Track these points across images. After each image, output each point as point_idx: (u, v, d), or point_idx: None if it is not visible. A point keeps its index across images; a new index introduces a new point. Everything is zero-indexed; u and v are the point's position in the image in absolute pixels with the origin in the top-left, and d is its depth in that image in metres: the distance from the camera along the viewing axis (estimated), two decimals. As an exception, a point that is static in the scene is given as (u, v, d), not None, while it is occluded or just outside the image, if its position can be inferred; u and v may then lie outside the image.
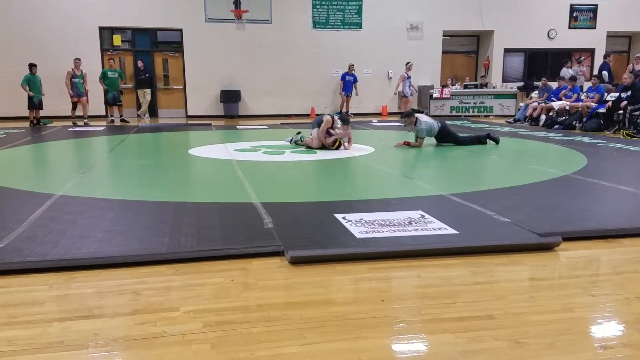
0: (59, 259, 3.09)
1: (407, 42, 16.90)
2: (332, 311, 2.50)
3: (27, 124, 13.17)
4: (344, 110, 15.68)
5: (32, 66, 12.95)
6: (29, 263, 3.03)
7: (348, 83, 15.72)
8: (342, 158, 7.47)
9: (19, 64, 14.25)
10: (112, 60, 13.97)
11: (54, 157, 8.22)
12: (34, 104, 12.97)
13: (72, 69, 13.14)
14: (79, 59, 13.40)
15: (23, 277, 2.90)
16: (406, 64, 15.76)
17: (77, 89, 13.23)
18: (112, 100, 13.68)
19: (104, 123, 13.65)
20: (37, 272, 2.95)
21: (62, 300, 2.64)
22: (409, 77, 15.69)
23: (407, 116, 8.66)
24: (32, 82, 12.89)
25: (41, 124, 13.10)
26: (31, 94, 12.86)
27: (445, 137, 8.66)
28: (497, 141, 8.78)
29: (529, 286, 2.89)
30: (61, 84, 14.74)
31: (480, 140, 8.81)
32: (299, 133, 8.68)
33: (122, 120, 13.66)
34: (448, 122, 9.51)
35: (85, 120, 13.40)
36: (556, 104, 12.53)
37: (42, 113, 13.59)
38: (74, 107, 13.45)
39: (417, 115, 8.68)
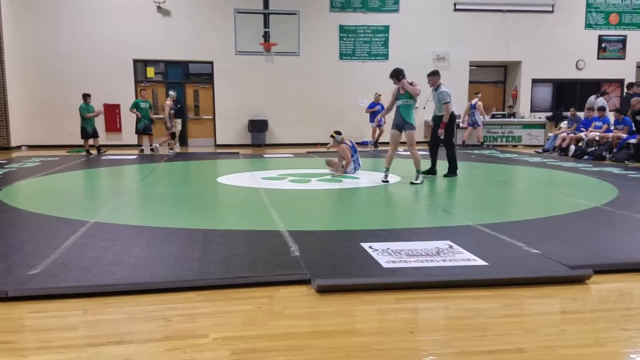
0: (92, 284, 3.17)
1: (434, 72, 16.97)
2: (358, 341, 2.50)
3: (62, 152, 13.55)
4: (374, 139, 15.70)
5: (86, 96, 13.34)
6: (64, 288, 3.11)
7: (375, 114, 15.79)
8: (368, 187, 7.49)
9: (56, 94, 14.84)
10: (144, 91, 14.36)
11: (88, 185, 8.45)
12: (88, 133, 13.30)
13: (169, 100, 13.54)
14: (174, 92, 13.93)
15: (58, 302, 2.98)
16: (475, 94, 15.75)
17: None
18: (143, 130, 14.00)
19: (136, 152, 13.97)
20: (71, 297, 3.03)
21: (95, 325, 2.70)
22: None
23: (432, 74, 8.53)
24: (87, 111, 13.28)
25: (101, 152, 13.44)
26: (94, 114, 13.33)
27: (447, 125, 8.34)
28: (451, 173, 8.46)
29: (560, 319, 2.84)
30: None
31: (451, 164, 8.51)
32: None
33: (151, 150, 13.97)
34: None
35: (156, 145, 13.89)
36: (588, 134, 12.35)
37: (74, 141, 14.01)
38: (173, 137, 13.84)
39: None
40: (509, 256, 3.84)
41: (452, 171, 8.49)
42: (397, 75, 7.62)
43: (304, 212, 5.96)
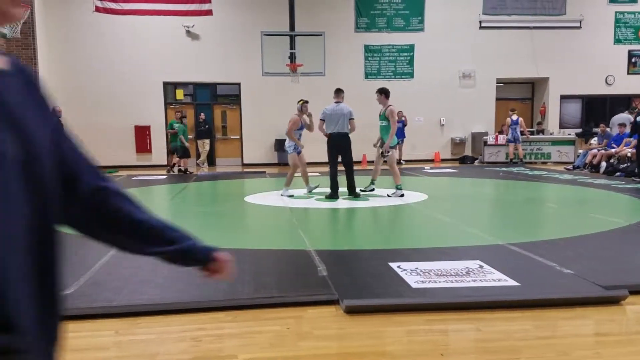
0: (123, 304, 3.22)
1: (460, 89, 16.93)
2: (389, 363, 2.47)
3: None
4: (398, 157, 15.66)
5: (183, 118, 14.05)
6: (96, 309, 3.17)
7: (398, 130, 15.75)
8: (395, 205, 7.45)
9: (88, 116, 15.28)
10: (178, 113, 14.53)
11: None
12: (186, 152, 13.91)
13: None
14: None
15: (90, 322, 3.03)
16: (512, 110, 15.60)
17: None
18: (175, 150, 14.19)
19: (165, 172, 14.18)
20: (103, 317, 3.08)
21: (126, 345, 2.73)
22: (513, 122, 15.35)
23: (337, 91, 8.35)
24: (184, 132, 13.89)
25: (188, 171, 13.93)
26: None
27: (340, 145, 8.02)
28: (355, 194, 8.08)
29: (595, 342, 2.77)
30: (127, 134, 15.63)
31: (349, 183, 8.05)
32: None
33: (180, 170, 14.12)
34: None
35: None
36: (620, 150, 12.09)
37: (105, 162, 14.32)
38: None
39: (337, 104, 8.08)
40: (541, 276, 3.77)
41: (332, 194, 8.10)
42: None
43: (331, 231, 5.97)
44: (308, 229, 5.68)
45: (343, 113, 7.98)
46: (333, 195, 8.04)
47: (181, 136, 13.63)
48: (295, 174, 8.73)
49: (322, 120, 8.07)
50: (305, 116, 8.45)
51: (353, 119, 8.15)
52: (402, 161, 15.51)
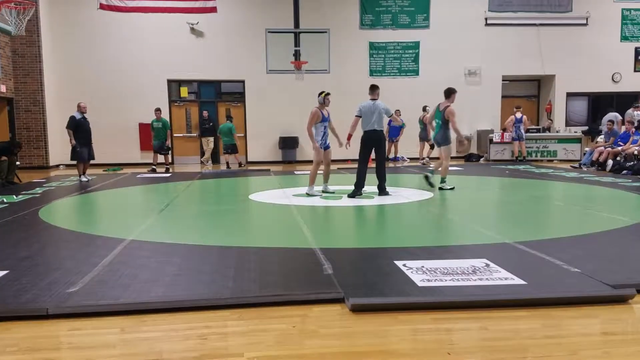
0: (130, 302, 3.22)
1: (465, 87, 16.83)
2: (395, 362, 2.46)
3: (99, 170, 13.86)
4: (391, 155, 15.66)
5: (231, 118, 14.69)
6: (102, 306, 3.17)
7: (393, 128, 15.71)
8: (401, 203, 7.43)
9: (92, 114, 15.27)
10: (159, 112, 14.32)
11: (124, 203, 8.59)
12: (236, 148, 14.51)
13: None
14: None
15: (96, 320, 3.03)
16: (517, 108, 15.59)
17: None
18: (157, 148, 14.08)
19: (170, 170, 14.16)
20: (109, 315, 3.08)
21: (132, 343, 2.73)
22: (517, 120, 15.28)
23: (372, 87, 8.29)
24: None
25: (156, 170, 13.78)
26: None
27: (375, 143, 7.95)
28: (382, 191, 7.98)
29: (603, 341, 2.75)
30: (131, 132, 15.66)
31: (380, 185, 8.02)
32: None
33: (152, 169, 13.83)
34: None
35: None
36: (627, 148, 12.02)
37: (109, 160, 14.42)
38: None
39: (372, 101, 8.01)
40: (547, 275, 3.75)
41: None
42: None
43: (336, 229, 5.95)
44: (313, 227, 5.67)
45: (379, 110, 7.93)
46: (356, 192, 7.92)
47: (168, 131, 13.88)
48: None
49: (359, 116, 7.99)
50: (327, 108, 8.34)
51: (392, 114, 8.23)
52: (397, 157, 15.70)
